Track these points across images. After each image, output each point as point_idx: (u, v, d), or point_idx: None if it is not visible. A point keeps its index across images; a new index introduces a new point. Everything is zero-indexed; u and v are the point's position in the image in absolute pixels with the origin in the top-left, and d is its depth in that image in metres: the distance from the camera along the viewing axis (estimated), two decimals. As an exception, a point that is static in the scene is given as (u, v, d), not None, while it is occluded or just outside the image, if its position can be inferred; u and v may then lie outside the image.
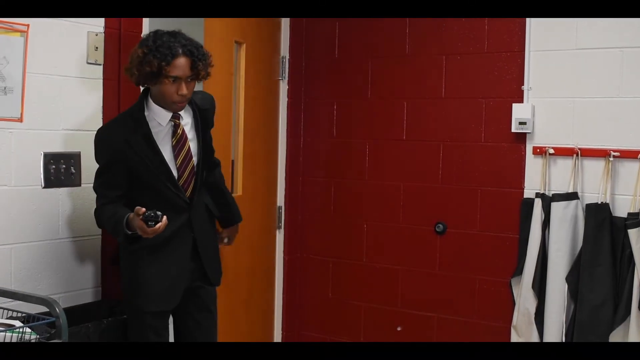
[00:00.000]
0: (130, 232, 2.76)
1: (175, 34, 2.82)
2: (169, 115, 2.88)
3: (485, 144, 3.88)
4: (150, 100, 2.87)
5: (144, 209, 2.65)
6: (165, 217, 2.68)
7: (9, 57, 2.90)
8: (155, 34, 2.81)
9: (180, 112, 2.92)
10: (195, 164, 2.95)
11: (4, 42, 2.88)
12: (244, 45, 3.96)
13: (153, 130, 2.86)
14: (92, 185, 3.07)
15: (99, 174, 2.89)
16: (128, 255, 2.94)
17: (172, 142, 2.89)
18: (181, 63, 2.77)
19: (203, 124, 3.01)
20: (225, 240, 3.41)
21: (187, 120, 2.96)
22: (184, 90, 2.80)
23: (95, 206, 2.94)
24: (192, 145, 2.96)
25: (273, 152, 4.34)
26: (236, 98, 3.99)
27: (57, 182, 3.12)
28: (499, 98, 3.84)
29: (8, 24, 2.89)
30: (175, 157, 2.90)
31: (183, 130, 2.92)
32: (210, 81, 3.06)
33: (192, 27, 3.20)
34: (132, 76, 2.84)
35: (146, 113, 2.87)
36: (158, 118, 2.87)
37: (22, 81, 2.96)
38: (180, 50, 2.77)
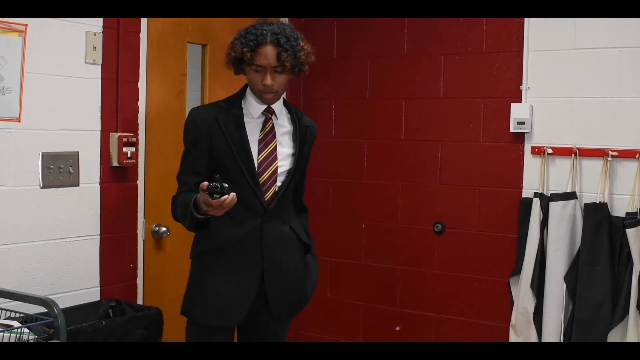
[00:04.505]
0: (198, 215, 2.59)
1: (273, 23, 2.70)
2: (262, 108, 2.77)
3: (483, 144, 3.89)
4: (248, 90, 2.80)
5: (207, 182, 2.48)
6: (233, 194, 2.48)
7: (7, 57, 2.90)
8: (258, 22, 2.71)
9: (275, 111, 2.80)
10: (278, 168, 2.77)
11: (2, 42, 2.87)
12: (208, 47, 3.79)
13: (244, 119, 2.77)
14: (90, 185, 3.07)
15: (183, 158, 2.78)
16: (194, 263, 2.82)
17: (259, 136, 2.77)
18: (266, 52, 2.65)
19: (301, 137, 2.86)
20: None
21: (284, 124, 2.84)
22: (268, 80, 2.67)
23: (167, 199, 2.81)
24: (282, 150, 2.80)
25: (272, 152, 4.33)
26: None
27: (56, 182, 3.11)
28: (497, 98, 3.84)
29: (6, 24, 2.88)
30: (259, 151, 2.75)
31: (273, 127, 2.79)
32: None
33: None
34: (225, 59, 2.79)
35: (242, 100, 2.81)
36: (251, 108, 2.78)
37: (20, 81, 2.95)
38: (267, 39, 2.64)
